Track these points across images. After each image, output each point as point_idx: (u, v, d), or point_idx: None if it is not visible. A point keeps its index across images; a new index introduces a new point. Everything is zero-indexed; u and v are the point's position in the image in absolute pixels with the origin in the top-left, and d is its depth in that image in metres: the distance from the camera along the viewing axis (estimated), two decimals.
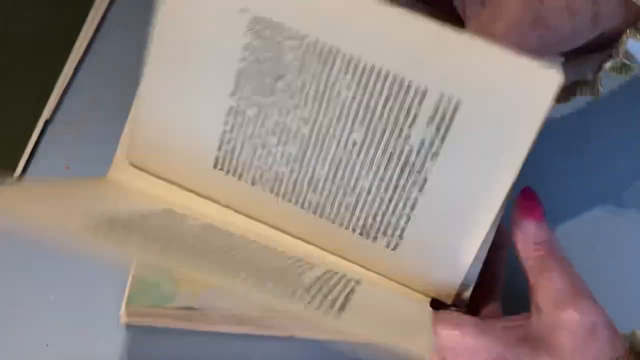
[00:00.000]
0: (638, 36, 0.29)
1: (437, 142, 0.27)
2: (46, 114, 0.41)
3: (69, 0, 0.46)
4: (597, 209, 0.40)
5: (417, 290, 0.30)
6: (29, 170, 0.39)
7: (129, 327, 0.34)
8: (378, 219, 0.29)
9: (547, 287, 0.27)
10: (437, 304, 0.30)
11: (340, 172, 0.28)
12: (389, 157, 0.28)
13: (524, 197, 0.30)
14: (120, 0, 0.47)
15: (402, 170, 0.28)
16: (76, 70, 0.43)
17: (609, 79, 0.31)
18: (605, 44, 0.30)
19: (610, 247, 0.38)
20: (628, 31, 0.29)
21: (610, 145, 0.42)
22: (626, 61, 0.30)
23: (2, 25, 0.44)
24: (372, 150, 0.28)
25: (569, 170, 0.41)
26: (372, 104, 0.27)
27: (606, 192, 0.40)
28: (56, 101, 0.42)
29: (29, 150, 0.39)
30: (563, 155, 0.41)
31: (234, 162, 0.30)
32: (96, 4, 0.46)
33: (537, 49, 0.26)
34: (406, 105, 0.27)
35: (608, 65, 0.30)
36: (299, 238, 0.31)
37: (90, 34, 0.45)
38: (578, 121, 0.42)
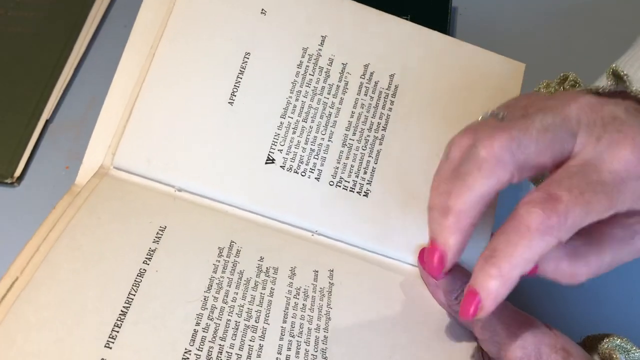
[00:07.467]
0: None
1: None
2: (46, 114, 0.41)
3: (69, 0, 0.46)
4: None
5: None
6: (29, 170, 0.39)
7: None
8: None
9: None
10: None
11: None
12: None
13: (422, 261, 0.30)
14: (120, 0, 0.47)
15: None
16: (76, 70, 0.43)
17: None
18: None
19: None
20: None
21: None
22: None
23: (2, 26, 0.44)
24: None
25: None
26: None
27: None
28: (56, 101, 0.42)
29: (29, 150, 0.40)
30: None
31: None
32: (96, 4, 0.46)
33: None
34: None
35: None
36: None
37: (90, 34, 0.45)
38: None
